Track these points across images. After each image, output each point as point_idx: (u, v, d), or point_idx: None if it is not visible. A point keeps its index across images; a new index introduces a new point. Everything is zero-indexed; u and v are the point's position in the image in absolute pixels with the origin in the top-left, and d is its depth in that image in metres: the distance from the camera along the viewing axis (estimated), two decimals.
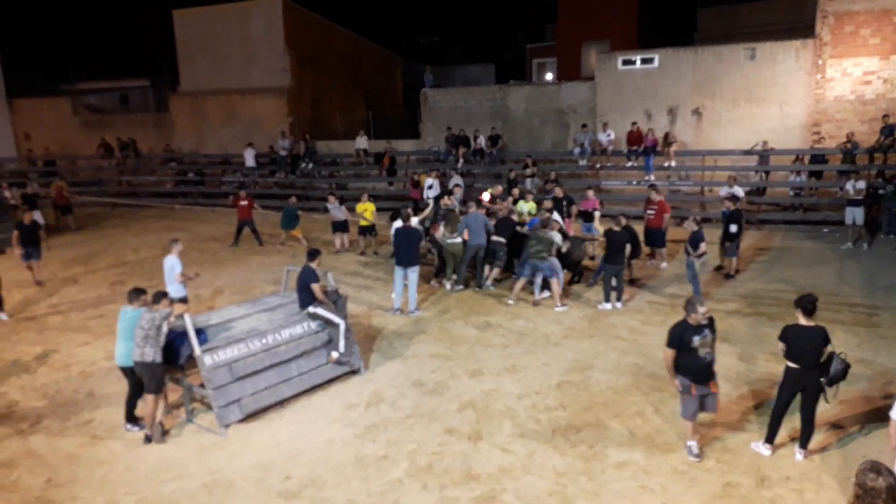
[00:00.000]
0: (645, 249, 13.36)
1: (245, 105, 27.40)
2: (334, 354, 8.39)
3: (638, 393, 7.99)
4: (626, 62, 21.28)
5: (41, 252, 13.70)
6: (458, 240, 12.16)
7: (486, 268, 12.53)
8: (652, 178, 19.44)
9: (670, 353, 6.32)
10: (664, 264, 13.69)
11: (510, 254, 12.47)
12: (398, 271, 11.15)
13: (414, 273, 11.12)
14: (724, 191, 15.04)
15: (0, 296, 11.46)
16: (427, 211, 13.79)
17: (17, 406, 8.06)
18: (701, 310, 6.18)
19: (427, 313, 11.22)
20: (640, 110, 21.01)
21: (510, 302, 11.58)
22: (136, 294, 7.35)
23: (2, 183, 21.80)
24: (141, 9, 36.79)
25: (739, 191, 14.96)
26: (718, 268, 13.22)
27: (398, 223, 11.69)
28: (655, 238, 13.55)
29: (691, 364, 6.25)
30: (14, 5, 31.72)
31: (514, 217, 12.87)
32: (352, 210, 16.09)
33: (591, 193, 14.52)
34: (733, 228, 12.48)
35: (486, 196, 13.87)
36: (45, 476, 6.48)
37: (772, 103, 19.47)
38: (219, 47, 27.59)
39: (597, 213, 12.26)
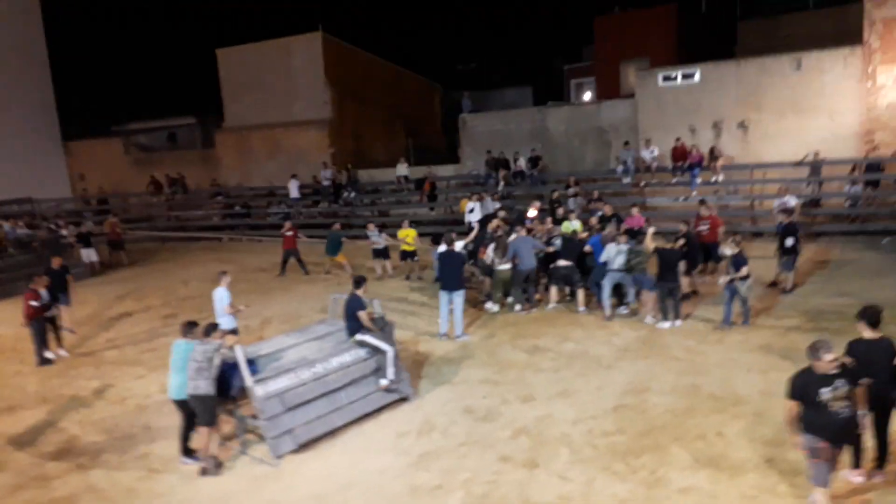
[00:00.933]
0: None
1: (288, 138, 27.99)
2: (384, 382, 8.33)
3: (698, 415, 7.69)
4: (666, 78, 21.05)
5: (70, 298, 12.76)
6: (508, 266, 12.10)
7: (553, 290, 12.55)
8: (695, 193, 19.03)
9: (791, 405, 5.51)
10: (721, 279, 13.22)
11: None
12: (443, 296, 11.08)
13: (459, 297, 11.03)
14: (777, 203, 14.61)
15: (59, 334, 11.77)
16: (471, 235, 13.72)
17: (76, 441, 8.20)
18: (827, 357, 5.30)
19: (474, 338, 11.09)
20: (684, 126, 20.68)
21: (580, 309, 11.99)
22: (189, 327, 7.44)
23: (59, 222, 22.60)
24: (186, 49, 38.14)
25: (792, 200, 14.52)
26: (773, 283, 12.78)
27: (442, 247, 11.67)
28: (710, 253, 13.21)
29: (821, 420, 5.32)
30: (66, 52, 33.15)
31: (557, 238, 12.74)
32: (393, 236, 16.15)
33: (635, 211, 14.25)
34: (790, 242, 12.08)
35: (532, 212, 13.80)
36: None
37: (821, 113, 18.93)
38: (262, 83, 28.35)
39: (650, 230, 11.93)
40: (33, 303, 10.98)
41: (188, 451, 7.42)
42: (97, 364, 11.15)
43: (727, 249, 10.81)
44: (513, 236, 12.37)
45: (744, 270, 10.44)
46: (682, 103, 20.82)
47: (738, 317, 10.78)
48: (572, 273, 12.15)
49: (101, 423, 8.69)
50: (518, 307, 12.36)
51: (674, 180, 19.91)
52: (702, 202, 14.05)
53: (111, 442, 8.09)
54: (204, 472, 7.09)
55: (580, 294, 12.13)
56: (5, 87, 29.70)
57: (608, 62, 27.95)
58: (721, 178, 19.26)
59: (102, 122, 34.55)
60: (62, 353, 11.67)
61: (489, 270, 12.55)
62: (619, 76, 27.68)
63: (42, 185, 30.24)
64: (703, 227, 13.13)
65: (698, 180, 19.17)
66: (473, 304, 12.77)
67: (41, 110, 31.73)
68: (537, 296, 12.70)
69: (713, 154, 19.33)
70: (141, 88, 38.59)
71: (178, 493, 6.80)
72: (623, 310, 11.77)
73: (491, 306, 12.54)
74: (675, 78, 20.97)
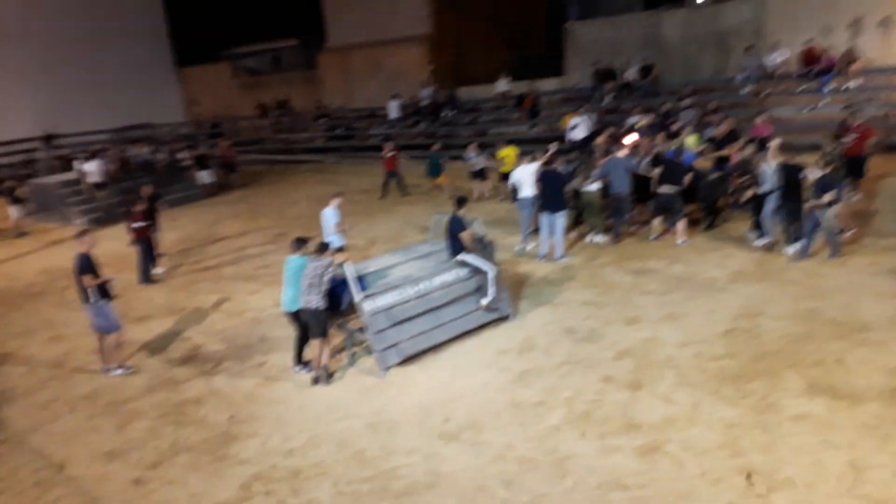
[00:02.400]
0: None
1: (388, 56, 27.76)
2: (484, 301, 8.37)
3: (816, 341, 7.25)
4: None
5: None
6: (594, 187, 11.48)
7: (657, 221, 11.44)
8: (824, 102, 17.32)
9: None
10: (857, 197, 12.20)
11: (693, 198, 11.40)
12: (544, 216, 10.85)
13: (560, 218, 10.73)
14: None
15: (156, 254, 12.32)
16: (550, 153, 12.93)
17: (200, 349, 8.87)
18: None
19: (576, 260, 10.88)
20: (816, 26, 18.62)
21: (679, 242, 11.01)
22: (300, 243, 7.72)
23: (176, 146, 23.89)
24: None
25: None
26: None
27: (526, 168, 11.36)
28: (854, 167, 11.95)
29: None
30: None
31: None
32: (493, 156, 15.87)
33: (759, 120, 13.13)
34: None
35: (628, 139, 12.86)
36: (228, 413, 7.09)
37: None
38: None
39: (775, 142, 10.77)
40: (137, 224, 11.70)
41: (301, 361, 7.85)
42: (216, 279, 11.91)
43: (814, 171, 9.57)
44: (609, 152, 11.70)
45: (826, 197, 9.23)
46: (816, 1, 18.69)
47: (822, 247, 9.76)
48: (673, 201, 11.01)
49: (222, 333, 9.34)
50: (599, 237, 11.68)
51: (800, 88, 18.18)
52: (851, 110, 12.62)
53: (231, 351, 8.69)
54: (316, 381, 7.50)
55: (680, 225, 11.05)
56: (122, 19, 31.13)
57: None
58: (856, 84, 17.37)
59: (212, 47, 35.59)
60: (159, 271, 12.34)
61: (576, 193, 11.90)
62: None
63: (159, 111, 31.98)
64: (849, 139, 11.89)
65: (829, 87, 17.39)
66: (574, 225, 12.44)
67: (155, 39, 33.21)
68: (627, 228, 11.76)
69: (848, 57, 17.39)
70: (246, 12, 39.19)
71: (294, 400, 7.25)
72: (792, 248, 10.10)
73: (592, 237, 11.87)
74: None
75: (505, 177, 15.26)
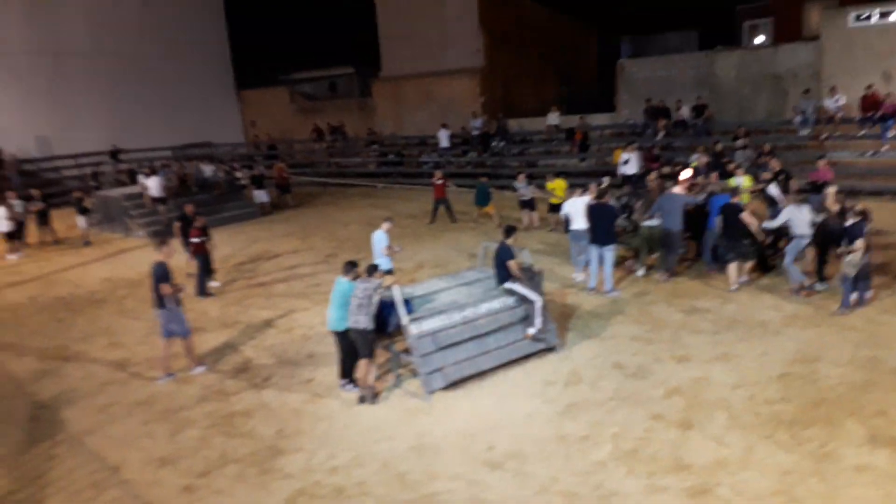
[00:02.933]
0: None
1: (440, 87, 28.26)
2: (531, 331, 8.35)
3: (878, 390, 7.01)
4: (858, 17, 18.65)
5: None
6: (654, 222, 11.37)
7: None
8: (887, 147, 16.94)
9: None
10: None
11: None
12: (593, 249, 10.82)
13: (610, 252, 10.69)
14: None
15: (212, 268, 12.69)
16: (604, 186, 12.83)
17: (251, 363, 9.05)
18: None
19: (624, 294, 10.77)
20: (876, 72, 18.32)
21: (732, 288, 10.51)
22: (350, 267, 7.84)
23: (234, 165, 24.63)
24: (347, 0, 39.29)
25: None
26: None
27: (578, 200, 11.41)
28: None
29: None
30: (239, 5, 35.51)
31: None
32: (542, 188, 15.93)
33: (821, 163, 12.90)
34: None
35: (684, 174, 12.77)
36: (276, 427, 7.19)
37: None
38: (417, 32, 28.68)
39: (830, 189, 10.58)
40: (196, 239, 12.11)
41: (348, 378, 7.91)
42: (268, 296, 12.16)
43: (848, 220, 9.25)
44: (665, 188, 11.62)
45: (857, 244, 8.90)
46: (875, 46, 18.41)
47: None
48: (734, 245, 10.49)
49: (272, 348, 9.51)
50: (658, 274, 11.50)
51: (861, 133, 17.80)
52: None
53: (280, 366, 8.84)
54: (362, 400, 7.57)
55: (731, 269, 10.56)
56: (188, 41, 32.47)
57: (789, 1, 25.22)
58: None
59: (271, 71, 36.81)
60: (215, 283, 12.72)
61: (635, 227, 11.92)
62: (800, 16, 24.93)
63: (219, 131, 33.15)
64: None
65: (892, 133, 17.00)
66: (623, 260, 12.35)
67: (218, 61, 34.54)
68: (680, 265, 11.64)
69: None
70: (305, 39, 40.46)
71: (339, 417, 7.32)
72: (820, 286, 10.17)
73: (637, 269, 11.83)
74: (870, 17, 18.53)
75: (553, 208, 15.31)
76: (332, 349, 8.39)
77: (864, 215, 9.17)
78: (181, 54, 32.18)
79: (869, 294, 9.59)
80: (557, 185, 15.15)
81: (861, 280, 9.37)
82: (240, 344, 9.78)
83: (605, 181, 12.93)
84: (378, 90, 30.56)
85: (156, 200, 18.87)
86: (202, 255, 12.24)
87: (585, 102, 27.31)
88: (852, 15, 18.79)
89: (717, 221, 10.78)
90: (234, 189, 21.93)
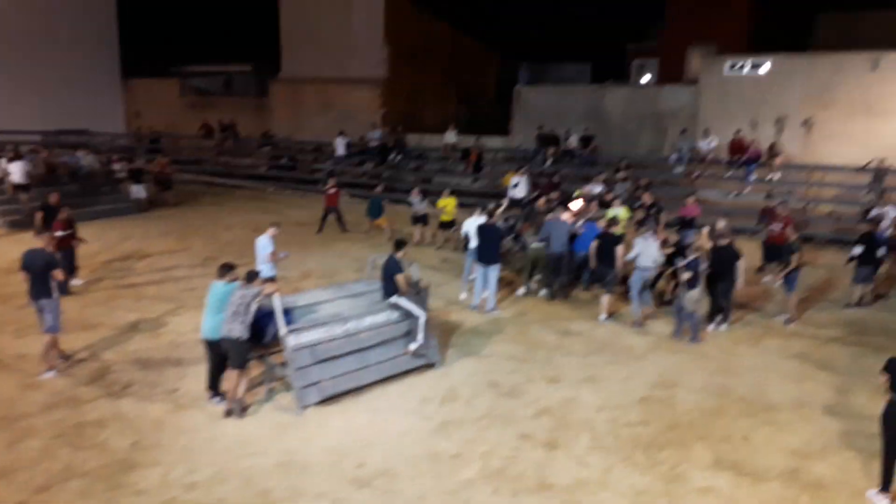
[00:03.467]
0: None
1: (341, 94, 27.98)
2: (412, 346, 8.36)
3: (726, 417, 7.55)
4: (733, 66, 20.30)
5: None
6: (539, 245, 11.70)
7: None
8: (748, 190, 18.47)
9: None
10: (779, 282, 12.92)
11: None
12: (479, 268, 11.04)
13: (494, 271, 10.93)
14: (875, 212, 14.20)
15: (75, 265, 11.90)
16: (501, 209, 13.05)
17: (110, 369, 8.45)
18: None
19: (506, 314, 11.03)
20: (745, 118, 19.99)
21: (601, 318, 10.81)
22: (227, 269, 7.54)
23: (112, 157, 23.11)
24: None
25: (893, 211, 14.03)
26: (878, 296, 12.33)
27: (475, 219, 11.62)
28: (780, 254, 12.79)
29: None
30: None
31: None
32: (434, 204, 16.09)
33: (691, 200, 13.86)
34: (857, 251, 11.50)
35: (574, 205, 13.30)
36: (131, 438, 6.74)
37: (893, 117, 18.06)
38: (320, 36, 28.29)
39: (704, 230, 11.48)
40: (59, 232, 11.19)
41: (216, 391, 7.57)
42: (136, 298, 11.44)
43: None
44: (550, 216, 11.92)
45: (684, 276, 9.65)
46: (747, 95, 20.10)
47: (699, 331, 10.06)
48: (604, 272, 10.84)
49: (135, 354, 8.94)
50: (543, 292, 12.01)
51: (728, 174, 19.32)
52: (780, 202, 13.49)
53: (143, 373, 8.31)
54: (229, 413, 7.24)
55: (604, 300, 10.88)
56: (71, 21, 30.27)
57: (674, 45, 26.99)
58: (778, 176, 18.61)
59: (161, 62, 34.93)
60: (77, 282, 11.86)
61: (523, 247, 12.29)
62: (683, 60, 26.76)
63: (99, 119, 30.96)
64: (776, 228, 12.77)
65: (753, 177, 18.56)
66: (508, 281, 12.66)
67: (104, 46, 32.34)
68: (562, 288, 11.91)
69: (772, 151, 18.66)
70: (202, 31, 38.77)
71: (203, 430, 6.97)
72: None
73: (520, 289, 12.19)
74: (743, 67, 20.21)
75: (443, 225, 15.48)
76: (202, 358, 7.99)
77: (699, 251, 9.85)
78: (61, 33, 29.87)
79: (723, 327, 10.38)
80: (448, 202, 15.34)
81: (717, 312, 10.24)
82: (100, 348, 9.11)
83: (505, 202, 13.30)
84: (276, 91, 29.81)
85: (18, 188, 17.34)
86: (65, 251, 11.33)
87: (483, 123, 27.94)
88: (728, 63, 20.42)
89: (591, 248, 11.09)
90: (110, 182, 20.56)
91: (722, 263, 10.10)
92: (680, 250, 10.28)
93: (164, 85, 33.17)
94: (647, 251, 10.30)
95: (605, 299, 10.86)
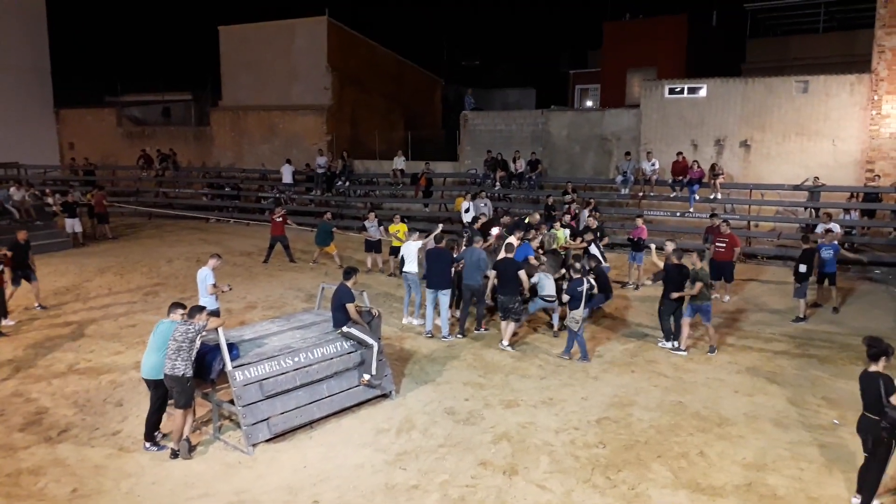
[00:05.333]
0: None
1: (285, 122, 27.68)
2: (366, 377, 8.15)
3: (682, 433, 7.58)
4: (672, 90, 20.95)
5: (35, 273, 12.51)
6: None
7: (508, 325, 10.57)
8: (692, 209, 18.98)
9: None
10: (727, 298, 13.27)
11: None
12: (429, 294, 10.90)
13: (445, 296, 10.80)
14: (820, 227, 14.74)
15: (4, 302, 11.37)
16: (434, 234, 12.40)
17: (46, 413, 7.96)
18: None
19: (461, 339, 10.90)
20: (686, 140, 20.60)
21: (502, 344, 10.46)
22: (176, 307, 7.22)
23: (45, 190, 22.17)
24: (187, 23, 37.61)
25: (837, 227, 14.65)
26: (815, 304, 12.74)
27: (414, 243, 11.64)
28: (724, 271, 13.19)
29: None
30: (63, 18, 32.58)
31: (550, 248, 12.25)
32: (387, 230, 15.94)
33: (640, 222, 14.15)
34: (802, 268, 11.95)
35: (496, 230, 13.25)
36: (71, 486, 6.34)
37: (824, 138, 18.90)
38: (262, 64, 28.03)
39: (652, 246, 11.68)
40: None
41: (153, 438, 7.17)
42: (74, 336, 10.87)
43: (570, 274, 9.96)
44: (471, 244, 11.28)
45: (564, 298, 9.84)
46: (686, 117, 20.74)
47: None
48: (507, 300, 10.33)
49: (74, 396, 8.46)
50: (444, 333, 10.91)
51: (672, 195, 19.81)
52: (724, 220, 13.86)
53: (82, 416, 7.86)
54: (175, 454, 6.89)
55: (504, 326, 10.46)
56: (0, 50, 29.15)
57: (614, 70, 27.81)
58: (720, 195, 19.19)
59: (96, 91, 33.98)
60: (9, 322, 11.30)
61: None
62: (624, 85, 27.55)
63: (30, 151, 29.66)
64: (721, 245, 13.10)
65: (697, 196, 19.09)
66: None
67: (35, 75, 31.11)
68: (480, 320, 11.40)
69: (714, 171, 19.24)
70: (138, 60, 37.99)
71: (148, 473, 6.60)
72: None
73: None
74: (682, 91, 20.87)
75: (395, 251, 15.33)
76: (145, 399, 7.60)
77: (583, 272, 9.92)
78: None
79: (679, 348, 10.43)
80: (400, 228, 15.21)
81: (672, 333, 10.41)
82: (35, 392, 8.58)
83: (440, 226, 13.18)
84: (217, 119, 29.26)
85: None
86: None
87: (430, 149, 28.05)
88: (667, 87, 21.05)
89: (491, 275, 10.84)
90: (43, 216, 19.67)
91: (673, 282, 10.27)
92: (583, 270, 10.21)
93: (99, 115, 32.15)
94: (546, 283, 10.68)
95: (509, 327, 10.40)
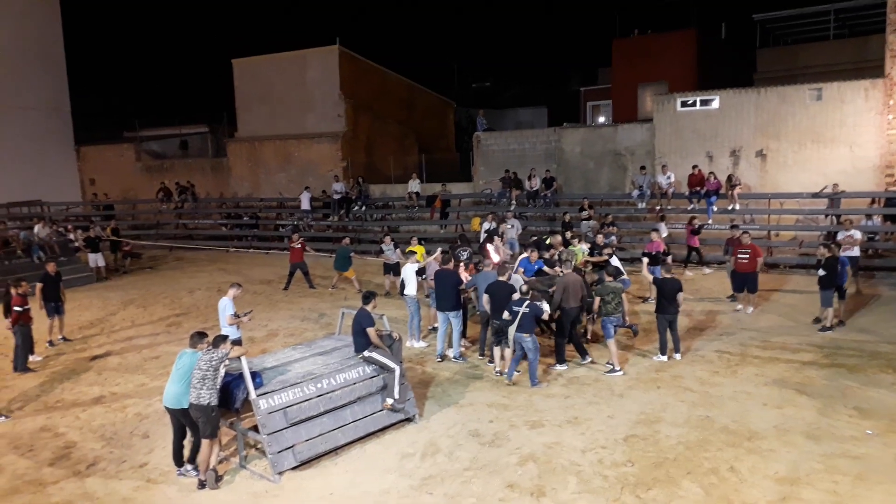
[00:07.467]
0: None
1: (300, 150, 28.03)
2: (389, 401, 8.12)
3: (711, 448, 7.44)
4: (684, 104, 20.93)
5: (63, 306, 12.73)
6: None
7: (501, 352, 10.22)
8: (710, 221, 18.83)
9: None
10: (750, 309, 13.12)
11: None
12: (440, 316, 10.87)
13: (455, 318, 10.74)
14: (842, 234, 14.39)
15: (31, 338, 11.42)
16: (434, 255, 12.66)
17: (75, 447, 8.03)
18: None
19: (479, 360, 10.83)
20: (701, 152, 20.51)
21: (496, 371, 10.20)
22: (200, 338, 7.28)
23: (68, 226, 22.57)
24: (202, 57, 38.44)
25: (857, 233, 14.38)
26: (816, 320, 12.41)
27: (412, 265, 11.74)
28: (748, 282, 13.10)
29: None
30: (81, 57, 33.47)
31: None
32: (405, 253, 15.96)
33: (654, 236, 14.05)
34: (821, 272, 11.77)
35: (490, 247, 13.15)
36: None
37: (841, 144, 18.73)
38: (276, 94, 28.49)
39: (645, 260, 11.70)
40: (18, 308, 10.84)
41: (181, 461, 7.23)
42: (99, 370, 11.00)
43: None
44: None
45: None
46: (700, 129, 20.68)
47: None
48: (504, 326, 9.77)
49: (101, 429, 8.53)
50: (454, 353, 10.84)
51: (689, 207, 19.68)
52: (744, 231, 13.79)
53: (109, 450, 7.92)
54: (202, 485, 6.90)
55: (497, 353, 10.12)
56: (22, 89, 29.95)
57: (625, 85, 27.89)
58: (738, 206, 19.04)
59: (115, 127, 34.72)
60: (36, 358, 11.48)
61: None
62: (636, 100, 27.59)
63: (52, 188, 30.35)
64: (743, 256, 13.05)
65: (714, 208, 18.95)
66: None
67: (56, 114, 31.92)
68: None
69: (731, 182, 19.12)
70: (155, 96, 38.88)
71: None
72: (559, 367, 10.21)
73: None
74: (694, 104, 20.84)
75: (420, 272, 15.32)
76: (169, 429, 7.64)
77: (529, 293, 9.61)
78: (12, 103, 29.51)
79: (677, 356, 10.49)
80: (417, 250, 15.23)
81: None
82: (62, 426, 8.68)
83: (440, 248, 13.22)
84: (234, 150, 29.72)
85: None
86: (24, 326, 10.90)
87: (445, 171, 28.22)
88: (679, 100, 21.04)
89: (484, 299, 10.36)
90: (67, 252, 20.01)
91: (665, 296, 10.34)
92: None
93: (119, 150, 32.83)
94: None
95: (505, 353, 9.98)
